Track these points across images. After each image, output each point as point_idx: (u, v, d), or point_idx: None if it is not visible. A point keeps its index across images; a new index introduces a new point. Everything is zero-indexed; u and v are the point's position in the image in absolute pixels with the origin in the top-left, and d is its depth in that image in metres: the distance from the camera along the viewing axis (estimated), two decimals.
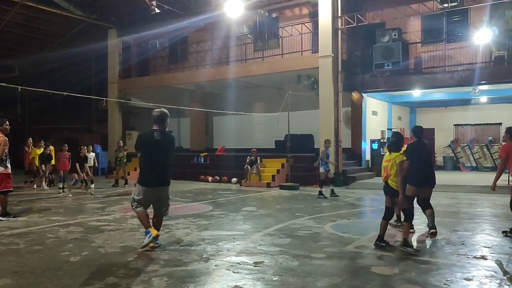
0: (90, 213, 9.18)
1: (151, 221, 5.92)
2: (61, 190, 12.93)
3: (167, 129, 6.04)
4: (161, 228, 6.18)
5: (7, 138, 8.20)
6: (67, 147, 13.68)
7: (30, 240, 6.48)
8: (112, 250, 5.83)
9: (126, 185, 15.10)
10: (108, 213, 9.14)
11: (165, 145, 5.95)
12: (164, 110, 6.01)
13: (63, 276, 4.68)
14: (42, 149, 14.42)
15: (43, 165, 14.27)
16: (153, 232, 5.69)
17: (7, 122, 8.33)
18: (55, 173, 14.63)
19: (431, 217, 6.83)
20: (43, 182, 14.33)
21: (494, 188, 6.95)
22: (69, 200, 11.51)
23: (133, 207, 5.94)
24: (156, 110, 5.99)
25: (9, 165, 8.29)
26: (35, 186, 14.29)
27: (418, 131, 6.91)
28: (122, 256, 5.49)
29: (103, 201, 11.19)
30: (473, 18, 15.63)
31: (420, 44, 16.60)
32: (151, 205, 5.99)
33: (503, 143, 7.13)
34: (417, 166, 6.30)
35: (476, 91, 16.49)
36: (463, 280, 4.53)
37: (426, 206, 6.89)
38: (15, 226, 7.62)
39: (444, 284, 4.40)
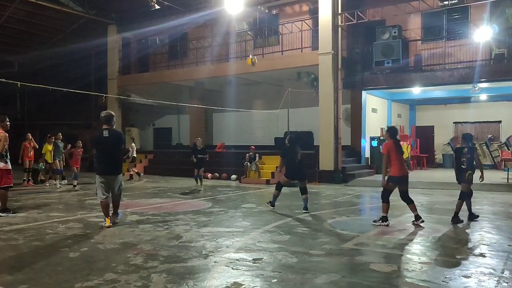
0: (89, 209, 9.18)
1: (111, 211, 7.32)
2: (75, 188, 13.02)
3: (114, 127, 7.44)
4: (118, 210, 7.66)
5: (7, 134, 8.20)
6: (81, 144, 14.00)
7: (29, 236, 6.49)
8: (111, 246, 5.84)
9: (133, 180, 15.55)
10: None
11: (113, 141, 7.19)
12: (110, 111, 7.59)
13: (62, 272, 4.68)
14: (51, 145, 13.87)
15: (57, 161, 13.64)
16: (107, 222, 7.11)
17: (7, 118, 8.33)
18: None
19: (305, 201, 8.78)
20: (57, 180, 13.63)
21: (383, 184, 7.36)
22: (68, 196, 11.52)
23: (98, 199, 7.30)
24: (103, 112, 7.53)
25: (9, 161, 8.31)
26: (49, 183, 14.05)
27: (291, 140, 9.31)
28: (121, 252, 5.49)
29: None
30: (473, 16, 15.60)
31: (420, 41, 16.57)
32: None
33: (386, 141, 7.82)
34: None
35: (476, 89, 16.49)
36: (462, 277, 4.54)
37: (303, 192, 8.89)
38: (15, 222, 7.63)
39: (443, 281, 4.41)
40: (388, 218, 7.36)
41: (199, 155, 13.60)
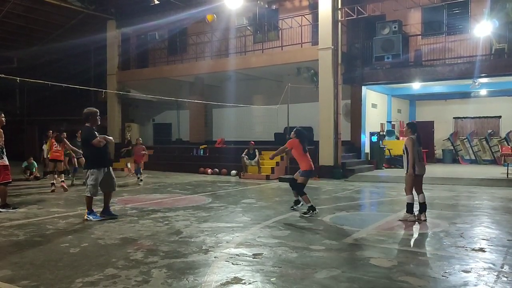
0: None
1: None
2: (140, 182, 13.34)
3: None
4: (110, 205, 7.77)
5: (1, 130, 8.19)
6: (141, 140, 14.44)
7: (30, 231, 6.50)
8: (111, 241, 5.85)
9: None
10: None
11: (81, 138, 7.76)
12: (90, 108, 7.56)
13: (63, 267, 4.70)
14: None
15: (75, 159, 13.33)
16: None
17: (3, 114, 8.31)
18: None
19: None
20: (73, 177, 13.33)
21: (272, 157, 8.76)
22: (68, 192, 11.52)
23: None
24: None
25: (5, 157, 8.34)
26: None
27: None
28: (122, 248, 5.50)
29: (102, 193, 11.18)
30: (474, 11, 15.55)
31: (420, 36, 16.51)
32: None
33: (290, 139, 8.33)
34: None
35: (476, 84, 16.46)
36: (461, 272, 4.55)
37: None
38: (15, 217, 7.64)
39: (443, 276, 4.42)
40: (389, 214, 7.37)
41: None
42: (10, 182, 8.70)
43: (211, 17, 15.93)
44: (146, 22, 19.71)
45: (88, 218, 7.27)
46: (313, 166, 8.27)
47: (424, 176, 7.54)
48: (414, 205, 7.32)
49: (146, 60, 22.16)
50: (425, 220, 7.17)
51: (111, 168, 7.57)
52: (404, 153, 7.41)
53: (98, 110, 7.56)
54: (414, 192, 7.29)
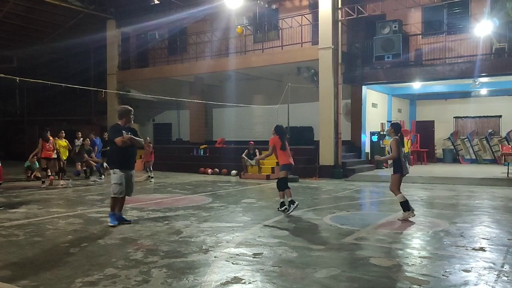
0: (90, 205, 9.19)
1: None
2: (152, 179, 14.27)
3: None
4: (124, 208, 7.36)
5: None
6: (148, 139, 14.97)
7: (30, 231, 6.49)
8: (111, 241, 5.84)
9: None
10: (107, 205, 9.12)
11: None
12: (125, 106, 7.30)
13: (63, 267, 4.69)
14: (64, 141, 13.53)
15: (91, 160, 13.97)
16: None
17: None
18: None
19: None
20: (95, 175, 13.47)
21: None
22: (68, 192, 11.52)
23: None
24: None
25: None
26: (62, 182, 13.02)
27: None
28: (122, 248, 5.50)
29: (103, 193, 11.20)
30: (474, 10, 15.55)
31: (420, 36, 16.52)
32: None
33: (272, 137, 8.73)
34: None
35: (477, 83, 16.46)
36: (462, 271, 4.54)
37: None
38: (15, 217, 7.64)
39: (443, 275, 4.41)
40: (389, 213, 7.37)
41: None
42: (1, 183, 8.73)
43: (240, 29, 16.09)
44: (146, 22, 19.71)
45: (111, 225, 6.80)
46: (292, 161, 8.63)
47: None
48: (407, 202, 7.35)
49: (146, 60, 22.17)
50: (411, 216, 7.27)
51: (133, 171, 7.16)
52: (388, 154, 7.51)
53: (132, 109, 7.22)
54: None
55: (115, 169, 6.88)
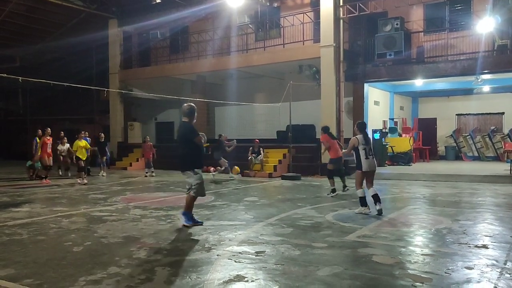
0: (93, 204, 9.22)
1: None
2: (153, 174, 15.52)
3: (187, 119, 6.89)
4: (188, 210, 6.85)
5: None
6: (148, 138, 16.17)
7: (33, 230, 6.52)
8: (114, 240, 5.86)
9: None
10: (110, 204, 9.18)
11: (179, 135, 7.02)
12: (191, 104, 7.04)
13: (66, 265, 4.71)
14: (82, 141, 13.66)
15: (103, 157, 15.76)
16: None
17: None
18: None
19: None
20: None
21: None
22: (71, 191, 11.56)
23: None
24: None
25: None
26: (83, 180, 13.21)
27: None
28: (125, 246, 5.52)
29: (106, 192, 11.24)
30: (476, 7, 15.49)
31: (422, 33, 16.47)
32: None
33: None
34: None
35: (479, 80, 16.40)
36: (464, 268, 4.54)
37: None
38: (19, 216, 7.67)
39: (445, 272, 4.41)
40: (391, 211, 7.38)
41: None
42: None
43: (237, 170, 15.79)
44: (148, 21, 19.73)
45: (182, 219, 6.73)
46: (340, 154, 10.30)
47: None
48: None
49: (148, 59, 22.17)
50: (381, 209, 7.61)
51: (185, 172, 6.84)
52: (353, 152, 8.02)
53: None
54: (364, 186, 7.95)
55: (196, 169, 6.65)
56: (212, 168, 16.93)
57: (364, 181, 7.97)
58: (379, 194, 7.87)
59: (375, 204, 7.69)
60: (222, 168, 14.78)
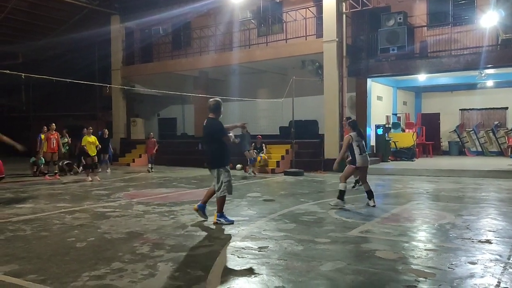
0: (96, 200, 9.25)
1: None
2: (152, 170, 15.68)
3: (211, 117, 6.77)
4: (216, 206, 6.71)
5: None
6: (152, 135, 16.32)
7: (37, 226, 6.54)
8: (117, 236, 5.88)
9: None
10: (113, 200, 9.20)
11: (205, 132, 6.79)
12: (217, 99, 6.97)
13: (69, 261, 4.73)
14: (91, 137, 13.50)
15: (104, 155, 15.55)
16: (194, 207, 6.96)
17: None
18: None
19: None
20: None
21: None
22: (75, 187, 11.59)
23: None
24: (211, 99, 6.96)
25: None
26: (90, 178, 13.02)
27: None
28: (128, 242, 5.53)
29: (109, 188, 11.26)
30: (480, 1, 15.38)
31: (425, 28, 16.37)
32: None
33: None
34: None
35: (482, 75, 16.32)
36: (468, 263, 4.53)
37: None
38: (22, 212, 7.70)
39: (449, 267, 4.40)
40: (394, 206, 7.38)
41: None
42: (3, 177, 8.87)
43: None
44: (150, 17, 19.69)
45: (219, 221, 6.52)
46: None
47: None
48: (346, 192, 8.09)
49: (150, 55, 22.16)
50: (374, 206, 7.82)
51: (214, 170, 6.65)
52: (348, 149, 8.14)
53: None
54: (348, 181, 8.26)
55: (224, 168, 6.55)
56: (239, 166, 16.61)
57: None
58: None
59: (369, 200, 7.94)
60: (249, 162, 14.82)
